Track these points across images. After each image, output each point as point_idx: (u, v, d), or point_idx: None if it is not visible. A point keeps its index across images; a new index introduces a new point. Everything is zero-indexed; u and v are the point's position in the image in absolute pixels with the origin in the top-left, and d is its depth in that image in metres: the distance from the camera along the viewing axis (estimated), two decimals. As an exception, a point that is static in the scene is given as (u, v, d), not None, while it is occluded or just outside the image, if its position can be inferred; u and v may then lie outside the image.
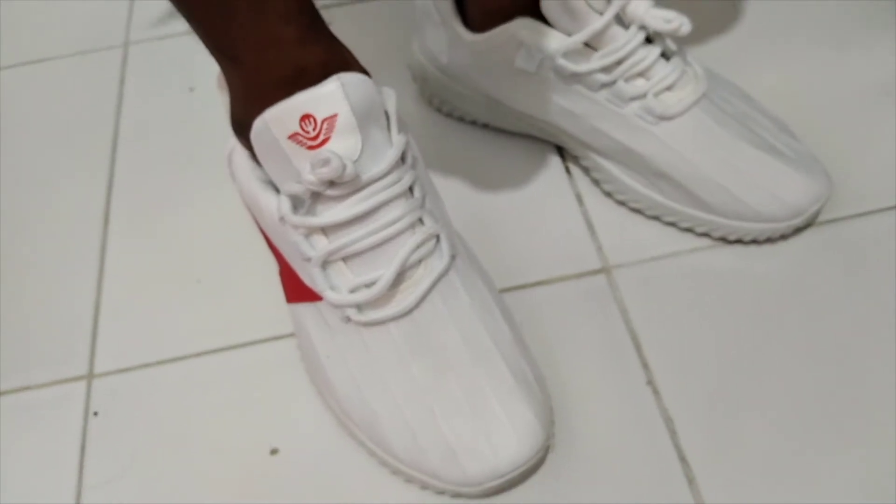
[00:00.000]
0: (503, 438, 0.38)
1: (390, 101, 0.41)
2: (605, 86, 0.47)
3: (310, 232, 0.39)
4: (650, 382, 0.44)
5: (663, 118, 0.47)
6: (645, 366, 0.44)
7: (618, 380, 0.44)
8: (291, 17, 0.38)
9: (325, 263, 0.40)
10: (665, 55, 0.47)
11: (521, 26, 0.48)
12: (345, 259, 0.40)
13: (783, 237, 0.48)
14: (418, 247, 0.40)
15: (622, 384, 0.44)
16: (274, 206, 0.40)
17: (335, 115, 0.37)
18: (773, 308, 0.46)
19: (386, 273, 0.39)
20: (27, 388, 0.47)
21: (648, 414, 0.42)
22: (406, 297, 0.40)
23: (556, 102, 0.49)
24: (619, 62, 0.46)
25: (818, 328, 0.45)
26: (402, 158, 0.40)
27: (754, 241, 0.48)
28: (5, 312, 0.51)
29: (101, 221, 0.55)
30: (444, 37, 0.53)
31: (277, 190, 0.41)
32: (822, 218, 0.49)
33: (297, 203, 0.39)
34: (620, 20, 0.46)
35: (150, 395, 0.46)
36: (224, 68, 0.43)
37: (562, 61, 0.47)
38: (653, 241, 0.49)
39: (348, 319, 0.40)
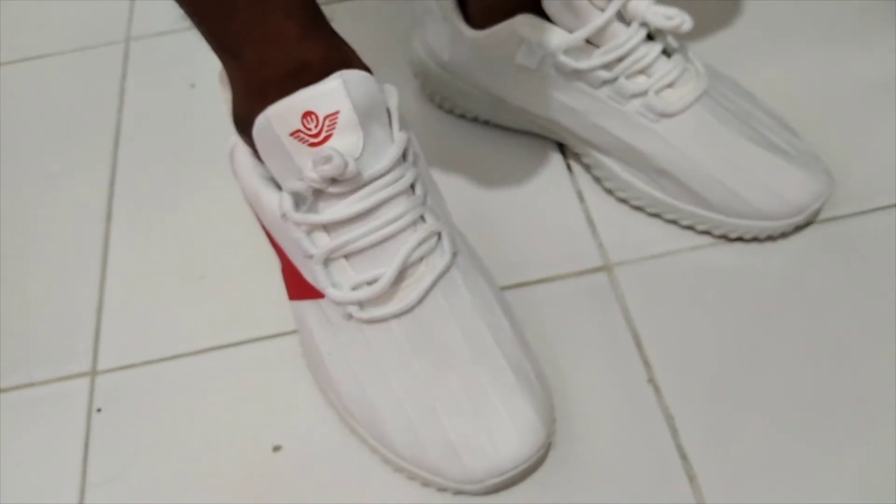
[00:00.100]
0: (504, 435, 0.38)
1: (392, 98, 0.41)
2: (606, 83, 0.47)
3: (312, 229, 0.39)
4: (651, 380, 0.44)
5: (664, 115, 0.47)
6: (646, 363, 0.44)
7: (619, 377, 0.44)
8: (293, 14, 0.38)
9: (326, 261, 0.40)
10: (666, 52, 0.47)
11: (523, 23, 0.47)
12: (347, 256, 0.40)
13: (784, 235, 0.48)
14: (420, 244, 0.40)
15: (623, 381, 0.44)
16: (276, 203, 0.40)
17: (337, 112, 0.37)
18: (774, 306, 0.46)
19: (388, 270, 0.39)
20: (30, 384, 0.47)
21: (649, 411, 0.42)
22: (408, 294, 0.40)
23: (557, 99, 0.49)
24: (620, 59, 0.46)
25: (819, 326, 0.45)
26: (404, 156, 0.40)
27: (755, 239, 0.48)
28: (8, 309, 0.51)
29: (104, 218, 0.55)
30: (446, 33, 0.53)
31: (279, 187, 0.41)
32: (822, 216, 0.49)
33: (298, 200, 0.39)
34: (622, 17, 0.46)
35: (153, 392, 0.46)
36: (226, 64, 0.43)
37: (563, 58, 0.47)
38: (654, 239, 0.49)
39: (350, 316, 0.40)
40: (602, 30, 0.46)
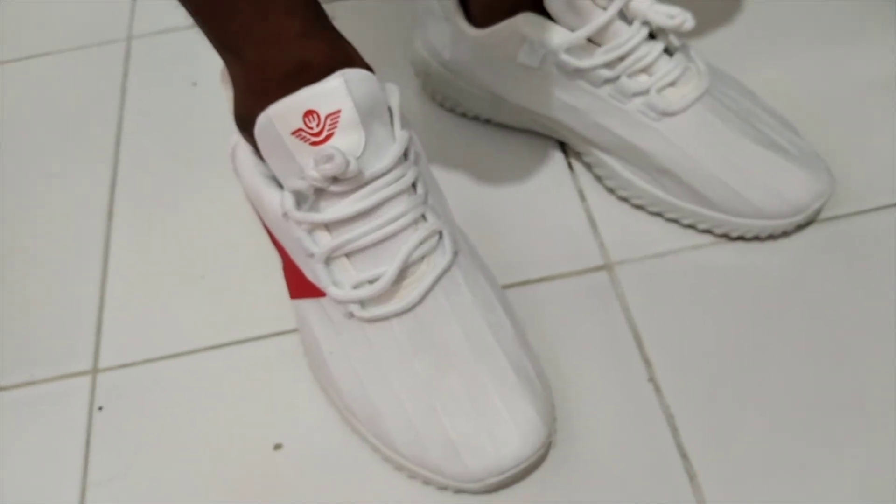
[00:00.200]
0: (505, 434, 0.38)
1: (393, 96, 0.41)
2: (608, 81, 0.47)
3: (313, 228, 0.40)
4: (651, 379, 0.44)
5: (666, 114, 0.47)
6: (646, 362, 0.44)
7: (619, 376, 0.44)
8: (295, 12, 0.38)
9: (328, 259, 0.40)
10: (668, 51, 0.47)
11: (525, 21, 0.47)
12: (348, 255, 0.40)
13: (785, 234, 0.48)
14: (421, 243, 0.40)
15: (624, 381, 0.44)
16: (277, 201, 0.40)
17: (338, 112, 0.37)
18: (775, 305, 0.46)
19: (389, 269, 0.39)
20: (31, 383, 0.47)
21: (650, 410, 0.42)
22: (409, 293, 0.40)
23: (558, 98, 0.49)
24: (622, 58, 0.46)
25: (819, 325, 0.45)
26: (405, 155, 0.40)
27: (756, 238, 0.48)
28: (9, 307, 0.51)
29: (105, 216, 0.55)
30: (447, 32, 0.53)
31: (281, 186, 0.41)
32: (823, 215, 0.49)
33: (300, 199, 0.39)
34: (624, 16, 0.46)
35: (154, 391, 0.46)
36: (227, 63, 0.43)
37: (565, 57, 0.47)
38: (655, 238, 0.49)
39: (351, 315, 0.40)
40: (604, 28, 0.46)
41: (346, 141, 0.38)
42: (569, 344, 0.45)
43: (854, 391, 0.42)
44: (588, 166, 0.53)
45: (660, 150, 0.47)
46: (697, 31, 0.59)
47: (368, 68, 0.40)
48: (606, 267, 0.48)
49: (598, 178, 0.52)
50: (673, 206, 0.49)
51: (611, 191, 0.52)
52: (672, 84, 0.47)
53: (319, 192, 0.39)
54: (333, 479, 0.42)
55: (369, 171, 0.38)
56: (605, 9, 0.45)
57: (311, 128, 0.37)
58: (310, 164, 0.38)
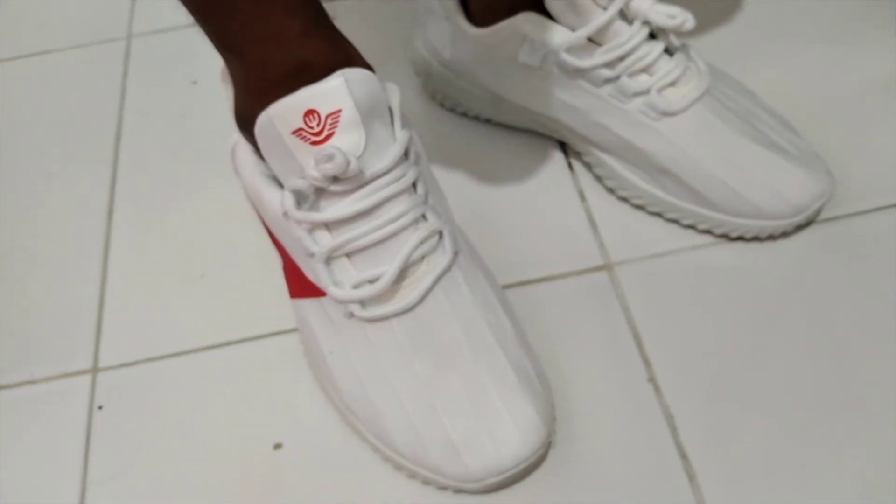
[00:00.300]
0: (505, 434, 0.38)
1: (394, 96, 0.41)
2: (608, 81, 0.47)
3: (313, 227, 0.40)
4: (651, 379, 0.44)
5: (666, 114, 0.47)
6: (646, 362, 0.44)
7: (619, 376, 0.44)
8: (295, 12, 0.38)
9: (328, 259, 0.40)
10: (668, 51, 0.47)
11: (525, 21, 0.47)
12: (348, 255, 0.40)
13: (784, 235, 0.48)
14: (421, 243, 0.40)
15: (623, 381, 0.44)
16: (277, 201, 0.40)
17: (339, 111, 0.37)
18: (775, 305, 0.46)
19: (389, 269, 0.39)
20: (31, 382, 0.47)
21: (649, 410, 0.43)
22: (409, 293, 0.40)
23: (559, 97, 0.49)
24: (622, 58, 0.46)
25: (819, 326, 0.45)
26: (406, 154, 0.40)
27: (756, 239, 0.48)
28: (9, 306, 0.51)
29: (105, 215, 0.55)
30: (448, 31, 0.53)
31: (281, 185, 0.41)
32: (823, 216, 0.49)
33: (300, 198, 0.39)
34: (624, 16, 0.46)
35: (154, 390, 0.46)
36: (228, 62, 0.43)
37: (565, 56, 0.47)
38: (655, 238, 0.49)
39: (351, 315, 0.40)
40: (604, 28, 0.46)
41: (347, 140, 0.38)
42: (569, 344, 0.45)
43: (854, 391, 0.42)
44: (588, 166, 0.53)
45: (660, 149, 0.47)
46: (697, 31, 0.59)
47: (369, 68, 0.40)
48: (606, 267, 0.48)
49: (599, 178, 0.52)
50: (673, 207, 0.49)
51: (611, 191, 0.52)
52: (672, 84, 0.47)
53: (320, 192, 0.39)
54: (333, 479, 0.42)
55: (370, 171, 0.38)
56: (605, 8, 0.45)
57: (312, 127, 0.37)
58: (310, 164, 0.38)
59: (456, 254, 0.41)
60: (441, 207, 0.42)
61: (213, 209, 0.54)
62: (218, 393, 0.46)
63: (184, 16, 0.66)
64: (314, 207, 0.39)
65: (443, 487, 0.40)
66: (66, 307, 0.50)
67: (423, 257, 0.40)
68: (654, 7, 0.45)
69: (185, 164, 0.57)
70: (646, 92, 0.46)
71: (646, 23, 0.46)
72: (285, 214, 0.40)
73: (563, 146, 0.55)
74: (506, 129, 0.56)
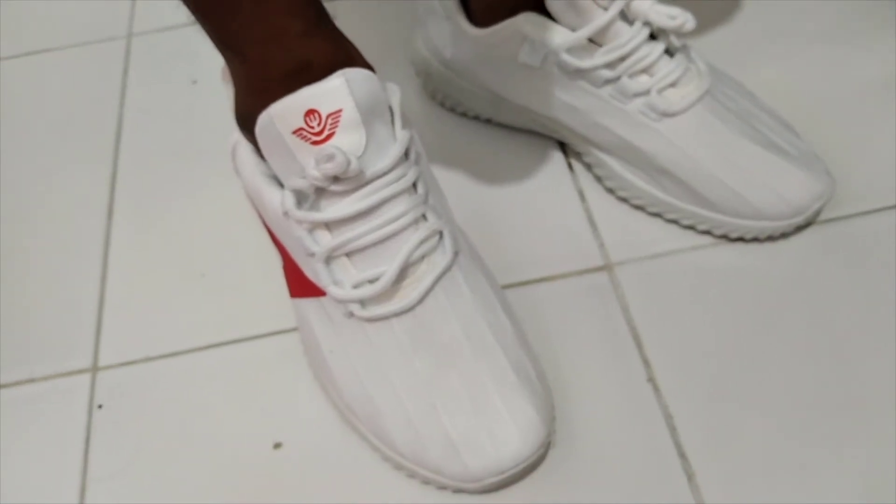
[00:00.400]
0: (505, 434, 0.38)
1: (394, 96, 0.41)
2: (608, 82, 0.47)
3: (313, 227, 0.40)
4: (651, 379, 0.44)
5: (666, 115, 0.47)
6: (646, 363, 0.44)
7: (619, 376, 0.44)
8: (296, 11, 0.38)
9: (328, 259, 0.40)
10: (669, 52, 0.47)
11: (526, 21, 0.47)
12: (348, 254, 0.40)
13: (784, 235, 0.48)
14: (421, 243, 0.40)
15: (623, 381, 0.44)
16: (278, 200, 0.40)
17: (340, 111, 0.37)
18: (774, 306, 0.46)
19: (389, 269, 0.39)
20: (31, 380, 0.47)
21: (649, 410, 0.43)
22: (409, 292, 0.40)
23: (559, 98, 0.49)
24: (622, 58, 0.46)
25: (819, 326, 0.45)
26: (406, 154, 0.40)
27: (755, 239, 0.48)
28: (9, 305, 0.51)
29: (105, 214, 0.55)
30: (448, 31, 0.53)
31: (281, 185, 0.41)
32: (823, 216, 0.49)
33: (300, 198, 0.39)
34: (625, 16, 0.46)
35: (154, 389, 0.46)
36: (228, 61, 0.43)
37: (566, 57, 0.47)
38: (654, 239, 0.49)
39: (351, 314, 0.40)
40: (605, 29, 0.46)
41: (347, 140, 0.38)
42: (568, 344, 0.45)
43: (854, 391, 0.42)
44: (588, 166, 0.53)
45: (660, 150, 0.47)
46: (697, 32, 0.59)
47: (370, 68, 0.40)
48: (606, 267, 0.49)
49: (598, 179, 0.52)
50: (673, 207, 0.49)
51: (611, 191, 0.52)
52: (673, 85, 0.47)
53: (320, 192, 0.39)
54: (333, 478, 0.42)
55: (370, 171, 0.38)
56: (606, 9, 0.45)
57: (312, 127, 0.37)
58: (311, 164, 0.38)
59: (456, 254, 0.41)
60: (441, 207, 0.42)
61: (214, 208, 0.54)
62: (218, 392, 0.46)
63: (184, 15, 0.67)
64: (314, 207, 0.39)
65: (442, 487, 0.40)
66: (67, 306, 0.50)
67: (423, 257, 0.40)
68: (654, 8, 0.45)
69: (186, 163, 0.57)
70: (646, 92, 0.47)
71: (646, 23, 0.46)
72: (286, 214, 0.40)
73: (563, 146, 0.55)
74: (506, 129, 0.56)
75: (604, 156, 0.51)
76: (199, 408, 0.45)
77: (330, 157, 0.36)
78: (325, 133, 0.37)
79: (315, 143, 0.37)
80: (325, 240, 0.39)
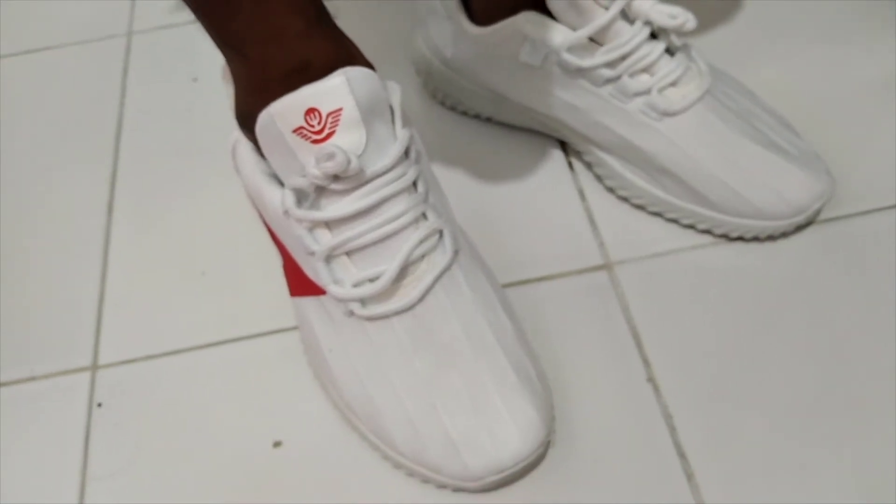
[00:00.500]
0: (504, 433, 0.38)
1: (395, 95, 0.41)
2: (609, 81, 0.47)
3: (314, 226, 0.40)
4: (650, 379, 0.44)
5: (667, 114, 0.47)
6: (645, 362, 0.44)
7: (618, 376, 0.44)
8: (297, 10, 0.38)
9: (328, 257, 0.40)
10: (669, 51, 0.47)
11: (527, 20, 0.47)
12: (348, 253, 0.40)
13: (784, 235, 0.48)
14: (422, 242, 0.40)
15: (623, 380, 0.44)
16: (278, 199, 0.40)
17: (340, 110, 0.37)
18: (774, 306, 0.46)
19: (389, 268, 0.39)
20: (31, 378, 0.47)
21: (648, 410, 0.43)
22: (409, 291, 0.40)
23: (559, 97, 0.49)
24: (623, 57, 0.46)
25: (819, 326, 0.45)
26: (407, 153, 0.40)
27: (755, 239, 0.48)
28: (8, 303, 0.51)
29: (105, 212, 0.55)
30: (449, 30, 0.53)
31: (282, 183, 0.41)
32: (823, 216, 0.49)
33: (301, 197, 0.39)
34: (626, 15, 0.46)
35: (154, 387, 0.46)
36: (229, 60, 0.43)
37: (566, 56, 0.47)
38: (655, 238, 0.49)
39: (351, 313, 0.40)
40: (606, 28, 0.46)
41: (348, 139, 0.38)
42: (568, 343, 0.45)
43: (854, 391, 0.42)
44: (588, 165, 0.53)
45: (660, 149, 0.47)
46: (698, 31, 0.60)
47: (370, 66, 0.40)
48: (606, 266, 0.49)
49: (599, 178, 0.52)
50: (673, 206, 0.49)
51: (611, 190, 0.52)
52: (673, 84, 0.47)
53: (320, 191, 0.39)
54: (333, 477, 0.42)
55: (370, 170, 0.38)
56: (606, 8, 0.45)
57: (313, 126, 0.37)
58: (311, 162, 0.38)
59: (456, 252, 0.41)
60: (441, 206, 0.42)
61: (214, 207, 0.54)
62: (218, 390, 0.46)
63: (185, 13, 0.67)
64: (315, 206, 0.39)
65: (442, 486, 0.40)
66: (67, 304, 0.50)
67: (423, 256, 0.40)
68: (655, 7, 0.45)
69: (186, 162, 0.57)
70: (647, 92, 0.47)
71: (647, 23, 0.46)
72: (286, 213, 0.40)
73: (564, 145, 0.55)
74: (506, 128, 0.56)
75: (604, 155, 0.51)
76: (199, 406, 0.45)
77: (330, 156, 0.36)
78: (326, 132, 0.37)
79: (315, 141, 0.37)
80: (326, 238, 0.39)
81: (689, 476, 0.40)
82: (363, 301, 0.40)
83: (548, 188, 0.53)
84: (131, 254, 0.53)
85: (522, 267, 0.49)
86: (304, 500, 0.41)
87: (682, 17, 0.45)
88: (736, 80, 0.51)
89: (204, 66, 0.63)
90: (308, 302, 0.43)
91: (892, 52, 0.57)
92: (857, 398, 0.42)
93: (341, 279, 0.40)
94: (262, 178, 0.42)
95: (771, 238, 0.48)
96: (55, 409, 0.46)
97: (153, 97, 0.62)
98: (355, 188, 0.39)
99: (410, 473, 0.41)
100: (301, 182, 0.39)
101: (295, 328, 0.47)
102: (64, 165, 0.58)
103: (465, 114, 0.57)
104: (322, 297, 0.41)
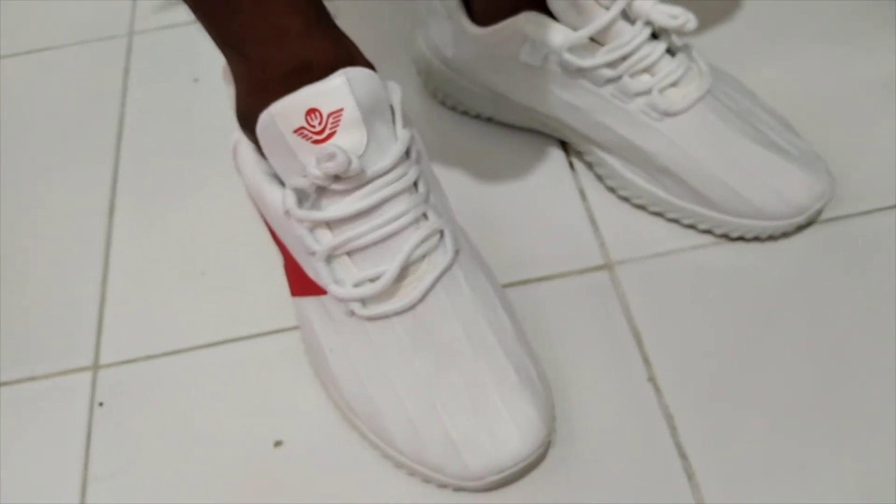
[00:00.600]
0: (505, 433, 0.38)
1: (395, 95, 0.41)
2: (610, 81, 0.47)
3: (314, 226, 0.40)
4: (651, 379, 0.44)
5: (667, 114, 0.47)
6: (646, 362, 0.44)
7: (619, 376, 0.44)
8: (297, 10, 0.38)
9: (329, 257, 0.40)
10: (670, 51, 0.47)
11: (527, 20, 0.48)
12: (349, 253, 0.40)
13: (785, 235, 0.48)
14: (422, 242, 0.40)
15: (623, 380, 0.44)
16: (279, 199, 0.40)
17: (341, 110, 0.37)
18: (775, 306, 0.46)
19: (390, 268, 0.39)
20: (32, 378, 0.47)
21: (649, 410, 0.43)
22: (410, 291, 0.40)
23: (560, 97, 0.50)
24: (624, 57, 0.46)
25: (819, 326, 0.45)
26: (407, 153, 0.40)
27: (756, 239, 0.48)
28: (10, 303, 0.51)
29: (106, 212, 0.55)
30: (449, 30, 0.53)
31: (282, 183, 0.41)
32: (823, 216, 0.49)
33: (302, 197, 0.39)
34: (626, 15, 0.46)
35: (155, 387, 0.46)
36: (229, 60, 0.43)
37: (567, 56, 0.47)
38: (655, 238, 0.49)
39: (352, 313, 0.40)
40: (606, 28, 0.46)
41: (348, 139, 0.38)
42: (569, 343, 0.45)
43: (853, 391, 0.42)
44: (589, 165, 0.53)
45: (661, 149, 0.47)
46: (698, 31, 0.59)
47: (371, 67, 0.40)
48: (607, 266, 0.49)
49: (599, 178, 0.52)
50: (673, 206, 0.49)
51: (611, 190, 0.52)
52: (674, 84, 0.47)
53: (321, 191, 0.39)
54: (333, 477, 0.42)
55: (371, 170, 0.38)
56: (607, 8, 0.45)
57: (314, 126, 0.37)
58: (312, 163, 0.38)
59: (457, 253, 0.42)
60: (442, 206, 0.42)
61: (215, 207, 0.54)
62: (219, 390, 0.46)
63: (185, 13, 0.66)
64: (315, 206, 0.39)
65: (442, 486, 0.40)
66: (68, 304, 0.50)
67: (423, 256, 0.40)
68: (656, 7, 0.45)
69: (187, 162, 0.57)
70: (647, 92, 0.47)
71: (648, 23, 0.46)
72: (287, 213, 0.40)
73: (564, 145, 0.55)
74: (507, 128, 0.56)
75: (605, 155, 0.51)
76: (200, 406, 0.45)
77: (331, 156, 0.37)
78: (327, 132, 0.37)
79: (316, 142, 0.38)
80: (326, 238, 0.39)
81: (690, 476, 0.40)
82: (364, 301, 0.40)
83: (548, 188, 0.53)
84: (132, 253, 0.53)
85: (523, 267, 0.49)
86: (304, 500, 0.41)
87: (683, 18, 0.45)
88: (736, 80, 0.51)
89: (205, 66, 0.63)
90: (309, 302, 0.43)
91: (892, 52, 0.57)
92: (857, 398, 0.42)
93: (342, 279, 0.40)
94: (262, 179, 0.42)
95: (771, 238, 0.48)
96: (56, 408, 0.46)
97: (154, 97, 0.62)
98: (356, 188, 0.39)
99: (411, 473, 0.41)
100: (302, 182, 0.39)
101: (295, 328, 0.47)
102: (65, 165, 0.58)
103: (465, 114, 0.57)
104: (323, 297, 0.41)
